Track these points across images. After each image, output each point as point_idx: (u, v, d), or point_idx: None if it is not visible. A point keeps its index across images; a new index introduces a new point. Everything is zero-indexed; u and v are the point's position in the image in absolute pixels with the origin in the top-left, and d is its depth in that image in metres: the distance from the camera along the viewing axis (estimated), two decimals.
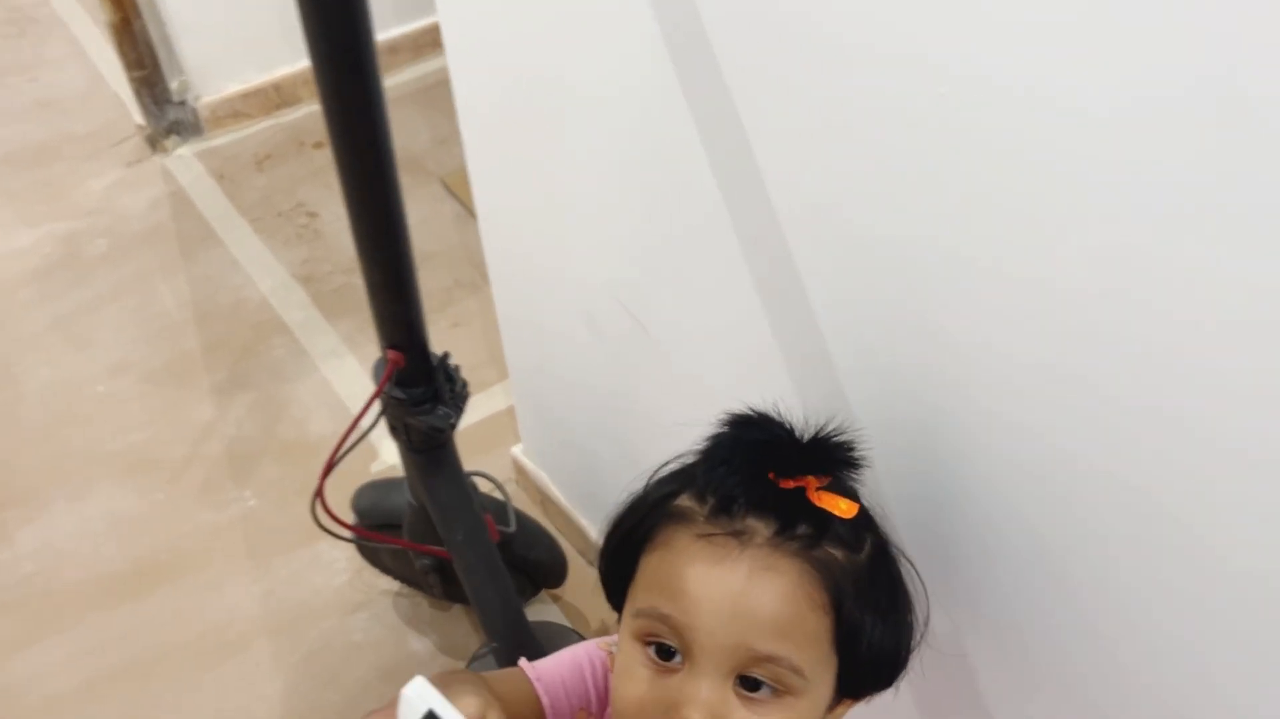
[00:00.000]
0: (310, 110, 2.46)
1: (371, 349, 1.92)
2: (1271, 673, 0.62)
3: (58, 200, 2.28)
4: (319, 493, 1.10)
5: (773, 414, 0.69)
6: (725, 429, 0.69)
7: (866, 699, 0.72)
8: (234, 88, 2.39)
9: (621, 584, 0.72)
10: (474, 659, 1.36)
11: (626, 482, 0.74)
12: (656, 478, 0.73)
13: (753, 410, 0.69)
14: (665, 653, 0.66)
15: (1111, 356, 0.60)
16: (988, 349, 0.68)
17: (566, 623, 1.48)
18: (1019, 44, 0.56)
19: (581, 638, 1.18)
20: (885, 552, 0.70)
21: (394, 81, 2.49)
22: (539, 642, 1.28)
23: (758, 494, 0.65)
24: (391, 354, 1.04)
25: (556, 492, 1.56)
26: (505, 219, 1.26)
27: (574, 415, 1.38)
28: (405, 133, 2.33)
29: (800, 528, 0.64)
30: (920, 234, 0.68)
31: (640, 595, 0.68)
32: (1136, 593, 0.67)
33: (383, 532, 1.36)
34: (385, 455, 1.72)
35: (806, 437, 0.67)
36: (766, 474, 0.66)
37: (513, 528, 1.31)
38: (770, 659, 0.63)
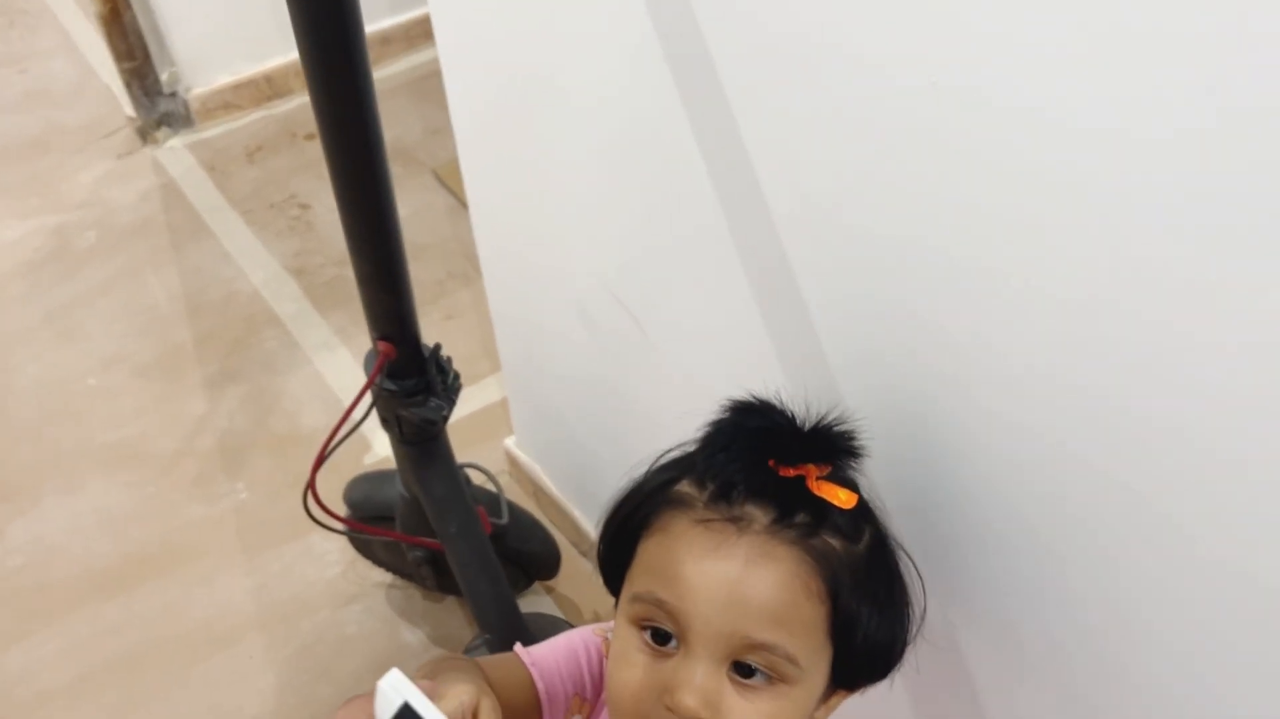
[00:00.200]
0: (302, 102, 2.45)
1: (364, 341, 1.90)
2: (1260, 670, 0.62)
3: (48, 193, 2.27)
4: (311, 485, 1.09)
5: (774, 402, 0.68)
6: (726, 415, 0.69)
7: (861, 691, 0.72)
8: (225, 79, 2.38)
9: (619, 570, 0.71)
10: (467, 651, 1.36)
11: (619, 474, 0.74)
12: (657, 465, 0.73)
13: (755, 397, 0.69)
14: (661, 637, 0.66)
15: (1105, 355, 0.60)
16: (983, 347, 0.68)
17: (560, 614, 1.48)
18: (1013, 48, 0.56)
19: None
20: (883, 544, 0.70)
21: (386, 72, 2.48)
22: (532, 634, 1.27)
23: (757, 481, 0.65)
24: (383, 346, 1.04)
25: (549, 483, 1.56)
26: (498, 213, 1.26)
27: (567, 408, 1.38)
28: (398, 124, 2.33)
29: (799, 516, 0.64)
30: (916, 233, 0.68)
31: (637, 580, 0.68)
32: (1129, 588, 0.67)
33: (375, 524, 1.35)
34: (377, 448, 1.72)
35: (808, 425, 0.67)
36: (766, 461, 0.65)
37: (505, 520, 1.31)
38: (765, 647, 0.63)
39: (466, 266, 2.02)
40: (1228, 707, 0.66)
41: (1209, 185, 0.50)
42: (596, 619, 1.50)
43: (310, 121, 2.38)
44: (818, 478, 0.66)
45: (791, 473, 0.66)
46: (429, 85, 2.37)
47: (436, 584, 1.42)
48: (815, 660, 0.65)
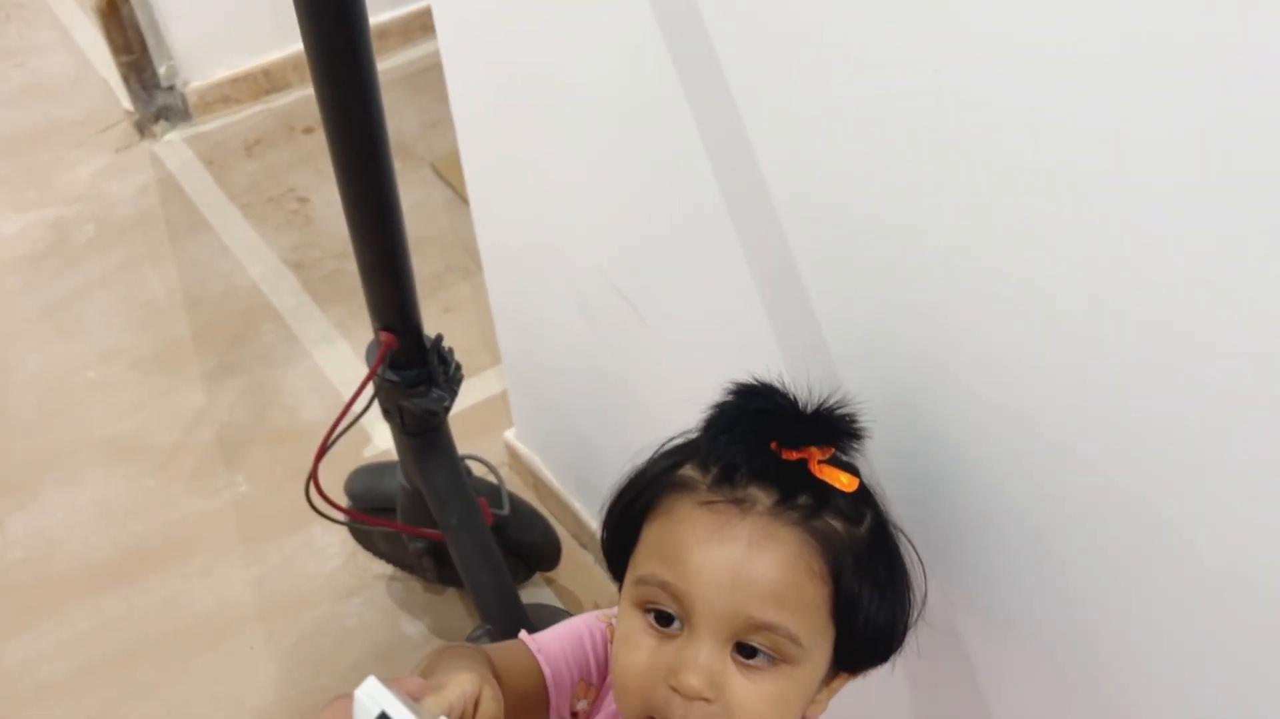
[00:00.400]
0: (300, 95, 2.45)
1: (363, 334, 1.90)
2: (1253, 656, 0.62)
3: (45, 187, 2.26)
4: (313, 476, 1.09)
5: (777, 385, 0.69)
6: (729, 398, 0.69)
7: (863, 674, 0.72)
8: (223, 73, 2.38)
9: (623, 554, 0.72)
10: (468, 641, 1.36)
11: (619, 465, 0.74)
12: (661, 451, 0.73)
13: (757, 380, 0.69)
14: (664, 619, 0.66)
15: (1102, 350, 0.60)
16: (983, 338, 0.68)
17: (560, 605, 1.49)
18: (1013, 45, 0.56)
19: None
20: (885, 528, 0.71)
21: (384, 66, 2.47)
22: (533, 624, 1.27)
23: (760, 463, 0.65)
24: (384, 336, 1.04)
25: (549, 475, 1.56)
26: (499, 206, 1.26)
27: (567, 400, 1.38)
28: (395, 118, 2.32)
29: (801, 498, 0.65)
30: (917, 224, 0.68)
31: (641, 563, 0.68)
32: (1125, 578, 0.68)
33: (376, 515, 1.36)
34: (378, 440, 1.72)
35: (810, 408, 0.68)
36: (769, 444, 0.66)
37: (506, 511, 1.31)
38: (768, 627, 0.63)
39: (465, 260, 2.02)
40: (1225, 695, 0.66)
41: (1209, 184, 0.51)
42: (596, 610, 1.50)
43: (308, 115, 2.40)
44: (820, 461, 0.66)
45: (794, 456, 0.66)
46: (426, 79, 2.37)
47: (437, 576, 1.42)
48: (818, 641, 0.66)
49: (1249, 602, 0.61)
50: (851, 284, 0.77)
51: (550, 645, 0.81)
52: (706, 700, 0.64)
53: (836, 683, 0.72)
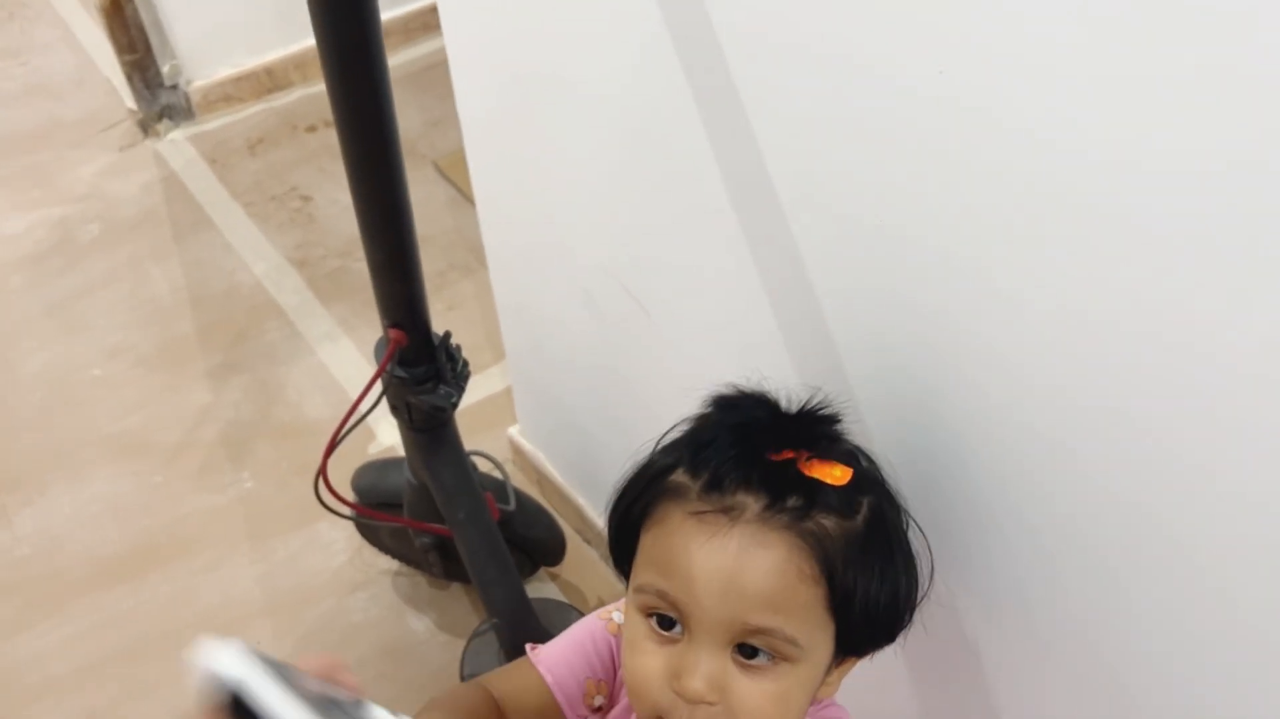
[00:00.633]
0: (302, 94, 2.46)
1: (367, 332, 1.92)
2: (1253, 644, 0.64)
3: (49, 185, 2.27)
4: (322, 471, 1.11)
5: (754, 392, 0.70)
6: (708, 411, 0.71)
7: (870, 655, 0.73)
8: (225, 72, 2.39)
9: (627, 555, 0.73)
10: (475, 636, 1.37)
11: (623, 461, 0.75)
12: (658, 448, 0.74)
13: (735, 390, 0.71)
14: (666, 623, 0.68)
15: (1102, 346, 0.62)
16: (986, 334, 0.69)
17: (565, 600, 1.50)
18: (1015, 49, 0.57)
19: (581, 614, 1.19)
20: (881, 513, 0.71)
21: (390, 64, 2.49)
22: (539, 618, 1.29)
23: (745, 470, 0.66)
24: (394, 333, 1.05)
25: (553, 471, 1.57)
26: (504, 204, 1.27)
27: (571, 396, 1.39)
28: (400, 117, 2.33)
29: (790, 500, 0.65)
30: (921, 223, 0.70)
31: (640, 572, 0.70)
32: (1124, 567, 0.69)
33: (382, 511, 1.37)
34: (382, 438, 1.73)
35: (791, 411, 0.69)
36: (751, 451, 0.67)
37: (512, 506, 1.32)
38: (764, 631, 0.65)
39: (468, 258, 2.03)
40: (1222, 670, 0.67)
41: (1212, 187, 0.52)
42: (601, 605, 1.51)
43: (311, 114, 2.41)
44: (809, 458, 0.67)
45: (779, 458, 0.67)
46: (428, 78, 2.38)
47: (443, 571, 1.43)
48: (816, 638, 0.67)
49: (1241, 597, 0.62)
50: (857, 280, 0.78)
51: (552, 654, 0.84)
52: (710, 703, 0.65)
53: (845, 666, 0.73)
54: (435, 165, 2.23)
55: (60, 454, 1.76)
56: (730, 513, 0.65)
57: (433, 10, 2.47)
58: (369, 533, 1.50)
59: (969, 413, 0.74)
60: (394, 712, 0.49)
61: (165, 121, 2.37)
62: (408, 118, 2.32)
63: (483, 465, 1.37)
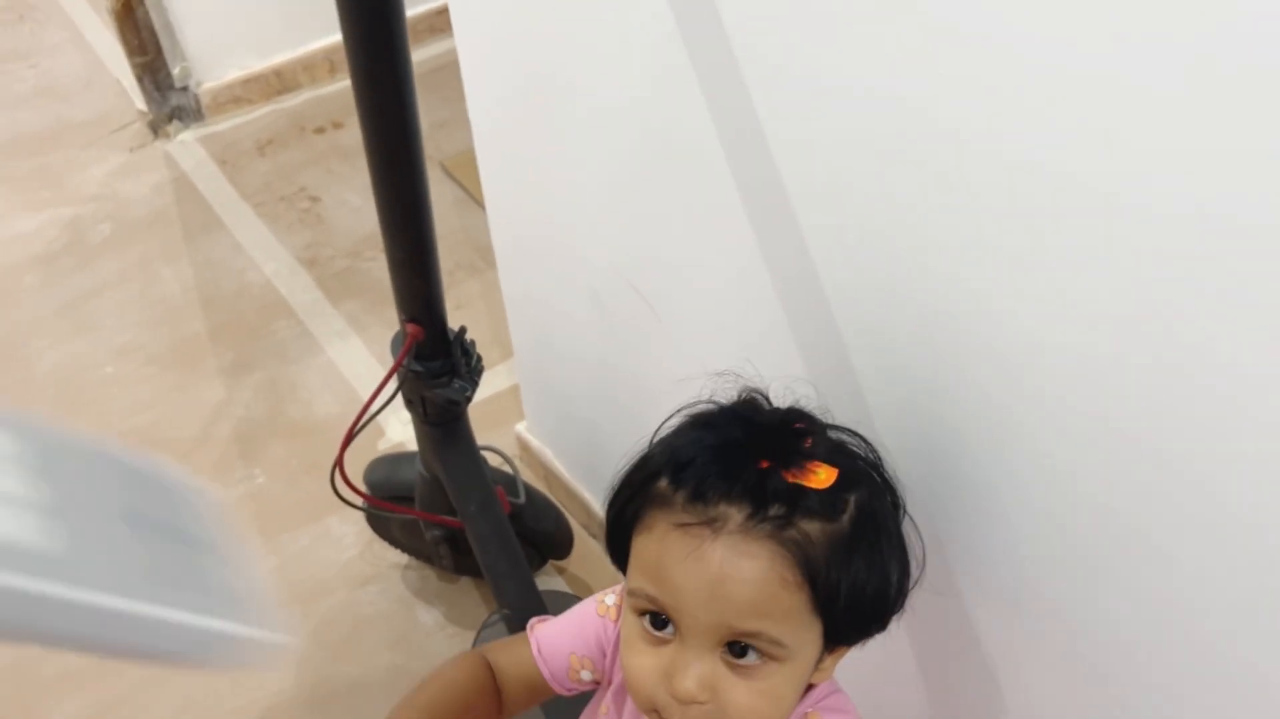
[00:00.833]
0: (310, 96, 2.49)
1: (376, 330, 1.95)
2: (1260, 628, 0.66)
3: (60, 186, 2.30)
4: (339, 463, 1.13)
5: (731, 407, 0.73)
6: (686, 429, 0.73)
7: (861, 644, 0.75)
8: (235, 74, 2.42)
9: (622, 553, 0.76)
10: (484, 627, 1.40)
11: (630, 457, 0.78)
12: (647, 450, 0.75)
13: (711, 406, 0.73)
14: (659, 623, 0.71)
15: (1101, 337, 0.64)
16: (990, 329, 0.72)
17: (571, 593, 1.52)
18: (1023, 57, 0.60)
19: None
20: (869, 508, 0.71)
21: None
22: (548, 610, 1.31)
23: (728, 483, 0.67)
24: (411, 328, 1.08)
25: (560, 467, 1.60)
26: (513, 202, 1.29)
27: (578, 392, 1.42)
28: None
29: (772, 509, 0.67)
30: (928, 219, 0.72)
31: (632, 575, 0.73)
32: (1127, 550, 0.71)
33: (394, 504, 1.39)
34: (391, 434, 1.76)
35: (774, 417, 0.72)
36: (732, 466, 0.68)
37: (522, 499, 1.35)
38: (750, 634, 0.67)
39: (474, 258, 2.06)
40: (1223, 657, 0.70)
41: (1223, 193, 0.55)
42: None
43: (319, 115, 2.43)
44: (790, 465, 0.68)
45: (762, 466, 0.68)
46: (434, 79, 2.39)
47: (453, 564, 1.46)
48: (802, 638, 0.69)
49: (1222, 593, 0.65)
50: (865, 277, 0.81)
51: (547, 630, 0.90)
52: (701, 703, 0.69)
53: (838, 653, 0.75)
54: (442, 166, 2.26)
55: None
56: (713, 524, 0.67)
57: (438, 13, 2.50)
58: (380, 527, 1.53)
59: (969, 407, 0.77)
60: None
61: (175, 123, 2.40)
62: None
63: (492, 460, 1.40)
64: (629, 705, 0.85)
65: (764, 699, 0.69)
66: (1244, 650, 0.68)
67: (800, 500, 0.67)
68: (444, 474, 1.24)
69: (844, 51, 0.72)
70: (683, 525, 0.68)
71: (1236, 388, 0.59)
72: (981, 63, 0.63)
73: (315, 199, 2.24)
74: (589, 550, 1.58)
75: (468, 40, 1.16)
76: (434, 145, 2.30)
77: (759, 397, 0.75)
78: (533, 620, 0.92)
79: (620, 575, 0.77)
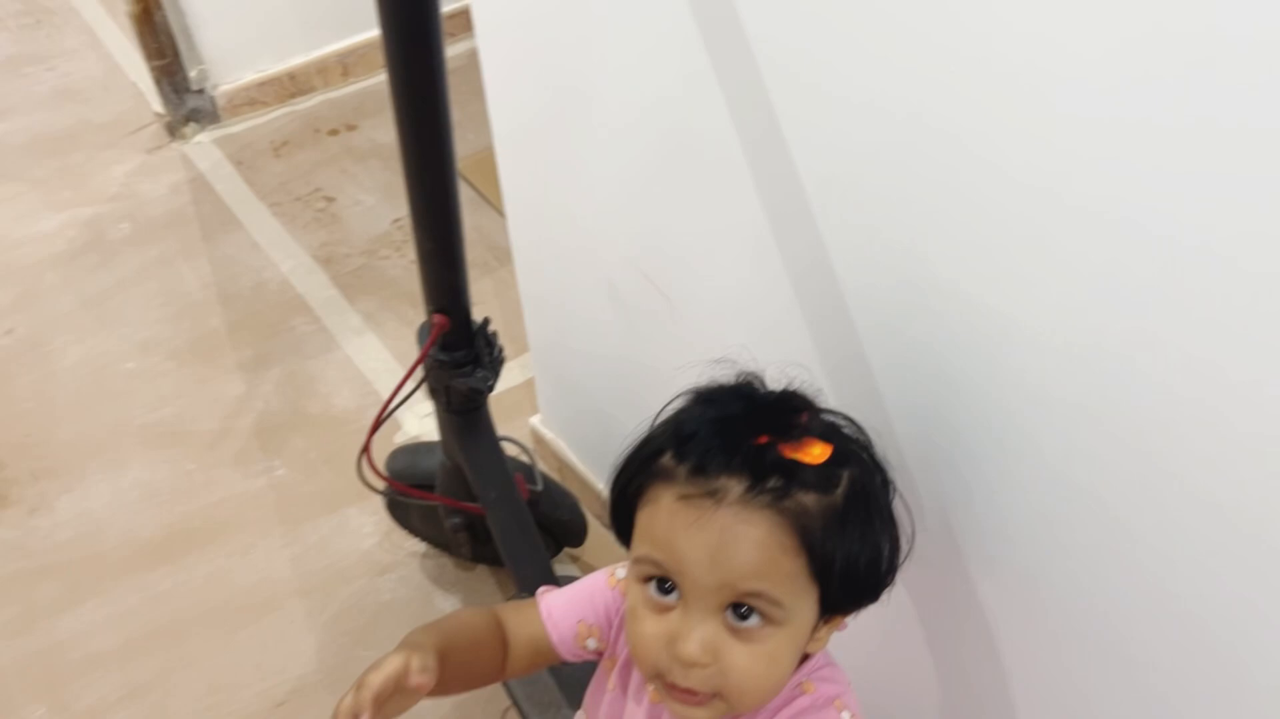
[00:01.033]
0: (324, 99, 2.54)
1: (392, 327, 2.00)
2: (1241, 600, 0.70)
3: (80, 186, 2.35)
4: (366, 449, 1.18)
5: (732, 385, 0.77)
6: (689, 405, 0.77)
7: (854, 614, 0.80)
8: (250, 76, 2.46)
9: (626, 527, 0.80)
10: None
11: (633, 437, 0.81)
12: (650, 430, 0.79)
13: (713, 384, 0.77)
14: (664, 589, 0.74)
15: (1115, 313, 0.68)
16: (1004, 310, 0.75)
17: None
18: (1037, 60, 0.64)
19: None
20: (861, 484, 0.75)
21: None
22: None
23: (728, 457, 0.71)
24: (437, 318, 1.12)
25: (574, 458, 1.64)
26: (531, 199, 1.34)
27: (593, 384, 1.46)
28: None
29: (770, 482, 0.70)
30: (941, 207, 0.76)
31: (637, 545, 0.77)
32: (1135, 535, 0.75)
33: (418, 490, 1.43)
34: (408, 427, 1.80)
35: (771, 396, 0.75)
36: (731, 440, 0.72)
37: (540, 487, 1.39)
38: (751, 594, 0.71)
39: (487, 256, 2.11)
40: (1232, 627, 0.74)
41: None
42: None
43: (333, 118, 2.48)
44: (787, 441, 0.72)
45: (760, 442, 0.72)
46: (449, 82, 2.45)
47: (470, 552, 1.50)
48: (800, 603, 0.73)
49: (1231, 559, 0.69)
50: (879, 265, 0.84)
51: (556, 597, 0.93)
52: (703, 665, 0.73)
53: (833, 622, 0.79)
54: None
55: (98, 443, 1.83)
56: (715, 495, 0.71)
57: (451, 18, 2.55)
58: (400, 515, 1.57)
59: (978, 382, 0.81)
60: None
61: (192, 125, 2.44)
62: None
63: (509, 451, 1.44)
64: (635, 680, 0.89)
65: (763, 662, 0.73)
66: (1247, 610, 0.72)
67: (796, 474, 0.71)
68: (466, 461, 1.29)
69: (857, 59, 0.76)
70: (686, 497, 0.72)
71: (1217, 388, 0.63)
72: (984, 71, 0.67)
73: (330, 199, 2.28)
74: (603, 540, 1.62)
75: (490, 44, 1.20)
76: None
77: (755, 379, 0.79)
78: (542, 588, 0.95)
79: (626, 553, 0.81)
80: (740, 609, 0.72)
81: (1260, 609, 0.70)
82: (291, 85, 2.51)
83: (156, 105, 2.45)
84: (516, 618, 0.93)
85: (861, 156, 0.81)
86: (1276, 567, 0.67)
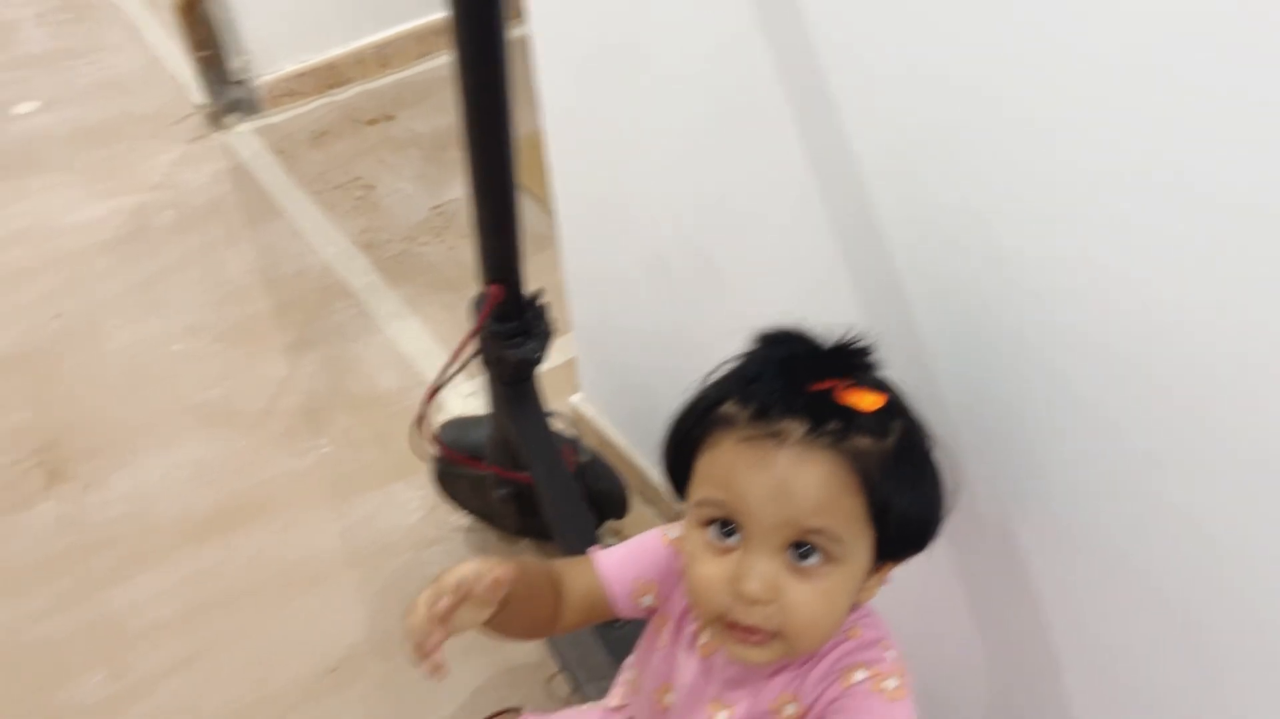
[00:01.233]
0: (361, 89, 2.58)
1: (431, 311, 2.04)
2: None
3: (125, 175, 2.40)
4: (421, 417, 1.22)
5: (796, 330, 0.79)
6: (755, 347, 0.80)
7: (904, 562, 0.82)
8: (290, 67, 2.52)
9: (683, 481, 0.82)
10: None
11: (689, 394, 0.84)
12: (707, 384, 0.82)
13: (778, 328, 0.80)
14: (725, 532, 0.77)
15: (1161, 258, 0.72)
16: (1051, 271, 0.78)
17: None
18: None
19: None
20: (911, 435, 0.79)
21: (439, 63, 2.63)
22: None
23: (789, 400, 0.74)
24: (493, 289, 1.16)
25: (615, 435, 1.68)
26: (581, 177, 1.37)
27: (636, 358, 1.49)
28: (455, 111, 2.46)
29: (830, 424, 0.73)
30: (989, 170, 0.79)
31: (698, 489, 0.79)
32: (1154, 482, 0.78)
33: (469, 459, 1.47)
34: (451, 407, 1.84)
35: (828, 345, 0.78)
36: (795, 383, 0.75)
37: (586, 459, 1.43)
38: (814, 530, 0.74)
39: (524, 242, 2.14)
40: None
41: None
42: None
43: (370, 108, 2.53)
44: (845, 388, 0.75)
45: (820, 387, 0.75)
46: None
47: (516, 525, 1.54)
48: (859, 542, 0.76)
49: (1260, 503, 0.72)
50: (930, 230, 0.87)
51: (611, 554, 0.95)
52: (765, 603, 0.75)
53: (883, 571, 0.82)
54: None
55: (148, 423, 1.88)
56: (778, 437, 0.73)
57: None
58: (446, 487, 1.61)
59: (1021, 336, 0.83)
60: None
61: (233, 115, 2.50)
62: None
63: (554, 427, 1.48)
64: (687, 633, 0.91)
65: (822, 600, 0.76)
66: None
67: (854, 419, 0.74)
68: (515, 432, 1.33)
69: (912, 22, 0.79)
70: (749, 439, 0.75)
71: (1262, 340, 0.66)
72: (1037, 37, 0.70)
73: (369, 187, 2.33)
74: (643, 515, 1.65)
75: (542, 22, 1.24)
76: None
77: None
78: (592, 548, 0.97)
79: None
80: (801, 548, 0.75)
81: None
82: (330, 76, 2.56)
83: (198, 96, 2.50)
84: (572, 571, 0.95)
85: (911, 124, 0.83)
86: None
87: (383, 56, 2.58)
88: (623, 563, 0.95)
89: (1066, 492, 0.87)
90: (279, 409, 1.88)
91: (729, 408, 0.77)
